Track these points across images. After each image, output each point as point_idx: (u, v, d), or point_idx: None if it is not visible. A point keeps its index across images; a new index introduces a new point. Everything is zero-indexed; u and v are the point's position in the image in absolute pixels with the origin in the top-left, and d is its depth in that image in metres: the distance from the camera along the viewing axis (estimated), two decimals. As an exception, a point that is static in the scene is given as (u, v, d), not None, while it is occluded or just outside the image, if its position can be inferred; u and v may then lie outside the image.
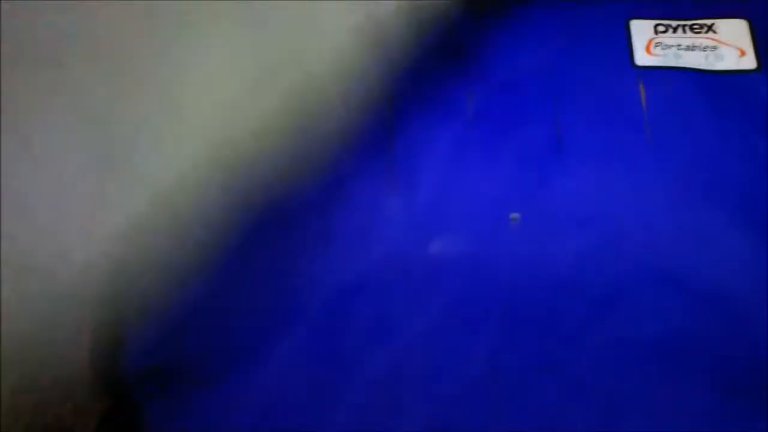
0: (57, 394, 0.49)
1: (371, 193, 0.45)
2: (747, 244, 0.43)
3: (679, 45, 0.48)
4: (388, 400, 0.41)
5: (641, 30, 0.49)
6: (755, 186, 0.45)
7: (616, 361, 0.42)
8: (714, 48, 0.48)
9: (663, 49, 0.48)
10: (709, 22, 0.49)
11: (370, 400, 0.41)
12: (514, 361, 0.42)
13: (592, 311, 0.43)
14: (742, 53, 0.48)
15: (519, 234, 0.44)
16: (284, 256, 0.44)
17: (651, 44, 0.48)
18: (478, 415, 0.40)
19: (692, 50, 0.48)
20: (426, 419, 0.40)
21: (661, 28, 0.49)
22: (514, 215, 0.45)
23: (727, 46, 0.48)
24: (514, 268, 0.44)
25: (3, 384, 0.44)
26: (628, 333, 0.42)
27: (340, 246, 0.44)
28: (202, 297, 0.44)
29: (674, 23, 0.49)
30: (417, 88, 0.48)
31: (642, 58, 0.48)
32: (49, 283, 0.47)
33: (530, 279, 0.43)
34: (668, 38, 0.48)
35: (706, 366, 0.41)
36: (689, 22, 0.49)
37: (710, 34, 0.48)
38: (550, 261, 0.44)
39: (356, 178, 0.46)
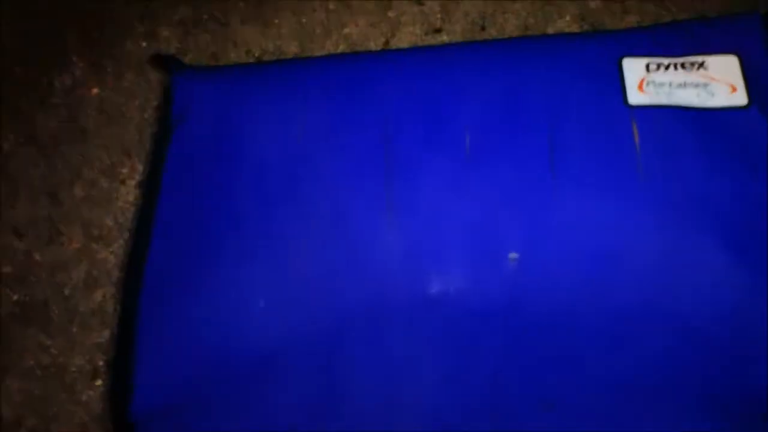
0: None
1: (369, 229, 0.46)
2: (738, 280, 0.44)
3: (671, 83, 0.49)
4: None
5: (633, 68, 0.50)
6: (746, 222, 0.45)
7: (613, 396, 0.43)
8: (705, 85, 0.49)
9: (655, 87, 0.49)
10: (700, 59, 0.49)
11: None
12: (512, 397, 0.43)
13: (587, 347, 0.44)
14: (734, 89, 0.49)
15: (514, 270, 0.45)
16: (284, 289, 0.46)
17: (643, 83, 0.49)
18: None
19: (684, 88, 0.49)
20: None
21: (653, 66, 0.50)
22: (513, 255, 0.46)
23: (718, 82, 0.49)
24: (509, 302, 0.44)
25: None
26: (623, 368, 0.43)
27: (338, 281, 0.46)
28: (206, 328, 0.46)
29: (666, 61, 0.50)
30: (415, 126, 0.49)
31: (635, 96, 0.49)
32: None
33: (525, 315, 0.44)
34: (660, 76, 0.49)
35: (697, 398, 0.42)
36: (681, 60, 0.50)
37: (701, 71, 0.49)
38: (544, 297, 0.45)
39: (354, 213, 0.47)
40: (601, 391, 0.43)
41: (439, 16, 0.61)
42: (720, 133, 0.48)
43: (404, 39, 0.60)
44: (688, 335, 0.43)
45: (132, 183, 0.58)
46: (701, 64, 0.49)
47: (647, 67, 0.49)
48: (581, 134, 0.48)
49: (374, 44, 0.60)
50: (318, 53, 0.60)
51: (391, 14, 0.61)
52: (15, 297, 0.55)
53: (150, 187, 0.53)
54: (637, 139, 0.47)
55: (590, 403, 0.42)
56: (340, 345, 0.44)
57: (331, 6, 0.62)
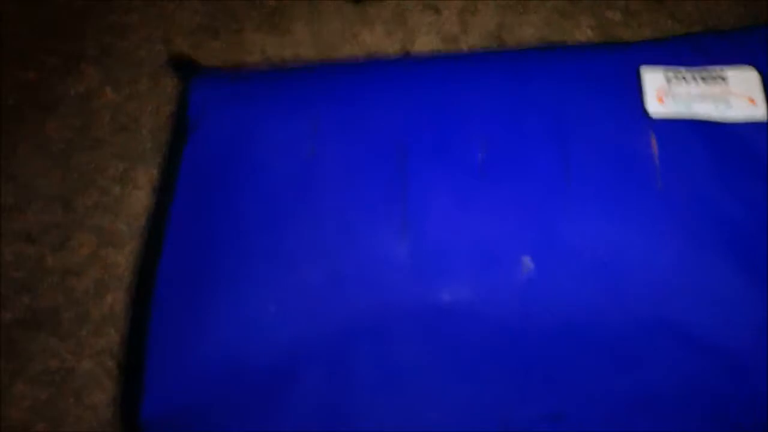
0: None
1: (380, 241, 0.46)
2: (752, 299, 0.44)
3: (690, 94, 0.49)
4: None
5: (653, 78, 0.49)
6: (763, 239, 0.45)
7: (624, 410, 0.42)
8: (724, 98, 0.48)
9: (674, 98, 0.49)
10: (719, 71, 0.49)
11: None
12: (523, 410, 0.42)
13: (600, 361, 0.43)
14: (752, 102, 0.48)
15: (526, 282, 0.45)
16: (294, 297, 0.45)
17: (663, 94, 0.49)
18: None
19: (703, 100, 0.49)
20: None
21: (672, 77, 0.49)
22: (527, 261, 0.45)
23: (736, 95, 0.48)
24: (520, 315, 0.44)
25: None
26: (635, 383, 0.43)
27: (349, 290, 0.45)
28: (217, 335, 0.45)
29: (686, 72, 0.49)
30: (426, 138, 0.49)
31: (654, 107, 0.49)
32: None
33: (536, 328, 0.44)
34: (680, 87, 0.49)
35: (710, 417, 0.42)
36: (700, 72, 0.49)
37: (721, 84, 0.49)
38: (557, 310, 0.44)
39: (365, 226, 0.46)
40: (612, 406, 0.42)
41: (456, 26, 0.60)
42: (738, 148, 0.47)
43: (421, 47, 0.60)
44: (700, 353, 0.43)
45: (145, 189, 0.58)
46: (721, 77, 0.49)
47: (667, 78, 0.49)
48: (598, 145, 0.48)
49: (391, 51, 0.60)
50: (335, 59, 0.60)
51: (408, 23, 0.61)
52: (26, 302, 0.55)
53: (164, 191, 0.53)
54: (655, 151, 0.47)
55: (600, 417, 0.42)
56: (350, 354, 0.44)
57: (347, 13, 0.62)
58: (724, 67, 0.49)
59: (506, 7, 0.61)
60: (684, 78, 0.49)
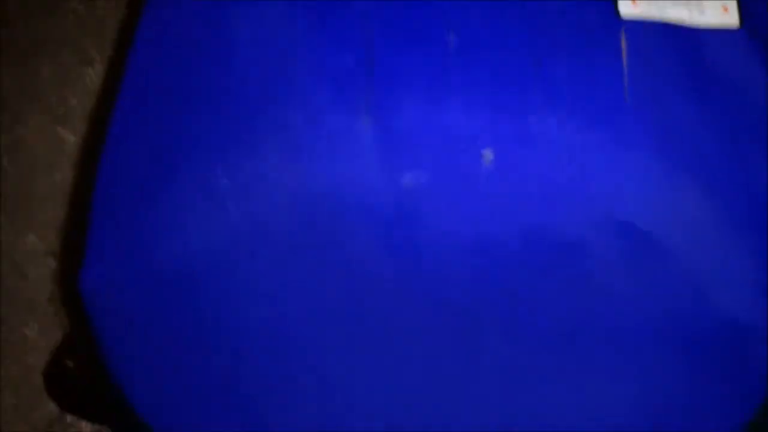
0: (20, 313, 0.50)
1: (344, 119, 0.45)
2: (718, 214, 0.43)
3: (664, -3, 0.48)
4: (353, 326, 0.41)
5: (627, -21, 0.48)
6: (728, 149, 0.45)
7: (580, 312, 0.42)
8: (698, 3, 0.47)
9: (647, 0, 0.48)
10: (695, -25, 0.48)
11: (336, 325, 0.41)
12: (476, 291, 0.42)
13: (559, 254, 0.43)
14: (725, 9, 0.47)
15: (489, 175, 0.44)
16: (250, 173, 0.44)
17: (635, -5, 0.48)
18: (437, 357, 0.41)
19: (676, 4, 0.48)
20: (389, 343, 0.41)
21: (647, -21, 0.48)
22: (487, 153, 0.45)
23: (710, 1, 0.47)
24: (482, 208, 0.43)
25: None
26: (591, 286, 0.43)
27: (308, 173, 0.44)
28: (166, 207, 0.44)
29: (660, -26, 0.48)
30: (397, 22, 0.47)
31: (626, 8, 0.47)
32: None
33: (500, 218, 0.43)
34: (654, -11, 0.48)
35: (660, 325, 0.42)
36: (676, -26, 0.48)
37: (695, -12, 0.48)
38: (521, 202, 0.44)
39: (330, 103, 0.45)
40: (564, 293, 0.42)
41: None
42: (708, 53, 0.46)
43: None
44: (662, 264, 0.43)
45: (99, 65, 0.56)
46: (696, -20, 0.48)
47: (641, -22, 0.48)
48: (568, 42, 0.46)
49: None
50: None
51: None
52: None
53: (116, 67, 0.51)
54: (625, 51, 0.46)
55: (553, 300, 0.42)
56: (309, 232, 0.43)
57: None
58: (701, -29, 0.48)
59: None
60: (659, -20, 0.48)
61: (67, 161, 0.54)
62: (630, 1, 0.47)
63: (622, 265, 0.43)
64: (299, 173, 0.45)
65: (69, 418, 0.48)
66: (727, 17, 0.47)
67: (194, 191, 0.45)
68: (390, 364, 0.42)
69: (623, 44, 0.46)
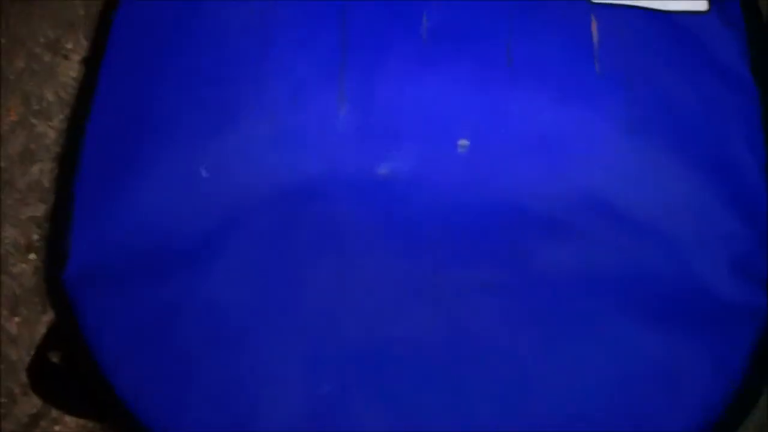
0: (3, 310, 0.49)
1: (321, 106, 0.45)
2: (691, 182, 0.44)
3: (634, -18, 0.49)
4: (333, 303, 0.42)
5: (597, -34, 0.49)
6: (700, 122, 0.46)
7: (560, 283, 0.43)
8: (667, -13, 0.49)
9: (618, -14, 0.49)
10: (664, -39, 0.49)
11: (312, 312, 0.41)
12: (455, 280, 0.42)
13: (535, 236, 0.44)
14: (695, -6, 0.48)
15: (467, 156, 0.45)
16: (229, 160, 0.45)
17: (606, -20, 0.49)
18: (417, 327, 0.41)
19: (646, -11, 0.49)
20: (366, 329, 0.41)
21: (616, -36, 0.49)
22: (463, 142, 0.45)
23: (679, -15, 0.49)
24: (461, 185, 0.44)
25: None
26: (570, 257, 0.43)
27: (285, 155, 0.45)
28: (147, 192, 0.44)
29: (630, -40, 0.49)
30: (372, 3, 0.48)
31: (596, -6, 0.49)
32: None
33: (476, 201, 0.44)
34: (623, -25, 0.49)
35: (638, 296, 0.42)
36: (645, -40, 0.49)
37: (664, -26, 0.49)
38: (496, 184, 0.44)
39: (308, 88, 0.46)
40: (546, 279, 0.43)
41: None
42: (678, 35, 0.48)
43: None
44: (638, 234, 0.44)
45: (76, 58, 0.56)
46: (664, -33, 0.49)
47: (611, -36, 0.49)
48: (540, 26, 0.47)
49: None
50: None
51: None
52: (-53, 166, 0.53)
53: (93, 59, 0.51)
54: (595, 35, 0.47)
55: (535, 288, 0.42)
56: (287, 217, 0.44)
57: None
58: (670, -43, 0.49)
59: None
60: (628, -35, 0.49)
61: (46, 154, 0.54)
62: (599, -14, 0.48)
63: (599, 238, 0.44)
64: (278, 157, 0.45)
65: (54, 412, 0.48)
66: (696, 3, 0.48)
67: (175, 180, 0.45)
68: (376, 339, 0.42)
69: (593, 25, 0.47)
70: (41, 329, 0.49)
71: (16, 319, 0.50)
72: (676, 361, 0.40)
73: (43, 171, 0.53)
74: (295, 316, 0.41)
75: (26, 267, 0.51)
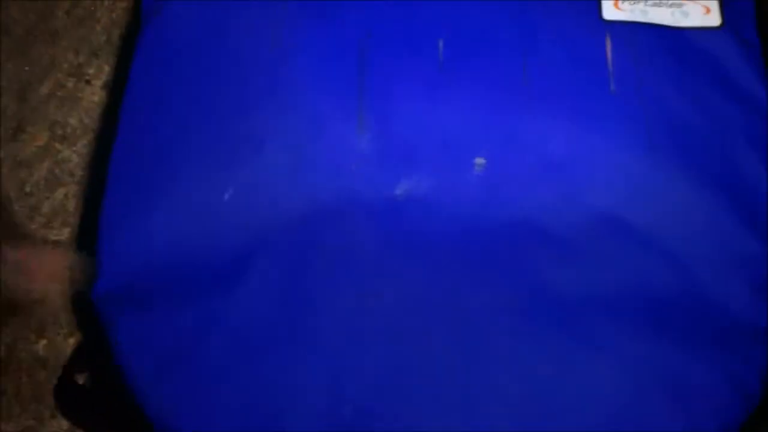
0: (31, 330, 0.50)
1: (341, 130, 0.46)
2: (704, 203, 0.44)
3: (646, 1, 0.49)
4: (353, 326, 0.42)
5: (610, -15, 0.49)
6: (715, 141, 0.46)
7: (574, 306, 0.43)
8: (680, 5, 0.49)
9: (630, 4, 0.49)
10: (676, -21, 0.49)
11: (334, 330, 0.42)
12: (475, 301, 0.43)
13: (551, 256, 0.44)
14: (707, 11, 0.48)
15: (484, 178, 0.45)
16: (251, 183, 0.45)
17: (619, 0, 0.49)
18: (438, 345, 0.41)
19: (659, 6, 0.49)
20: (386, 351, 0.41)
21: (629, -16, 0.49)
22: (480, 161, 0.46)
23: (692, 3, 0.49)
24: (477, 208, 0.45)
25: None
26: (584, 280, 0.43)
27: (308, 180, 0.45)
28: (172, 217, 0.45)
29: (642, -21, 0.49)
30: (389, 31, 0.49)
31: (610, 12, 0.49)
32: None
33: (491, 222, 0.44)
34: (636, -6, 0.49)
35: (655, 316, 0.42)
36: (657, -21, 0.49)
37: (677, -9, 0.49)
38: (512, 206, 0.45)
39: (328, 114, 0.46)
40: (562, 300, 0.43)
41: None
42: (692, 53, 0.48)
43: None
44: (651, 255, 0.44)
45: (98, 84, 0.57)
46: (677, -16, 0.49)
47: (623, -16, 0.49)
48: (555, 46, 0.48)
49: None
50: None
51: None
52: (-25, 192, 0.54)
53: (117, 85, 0.52)
54: (609, 53, 0.47)
55: (550, 310, 0.43)
56: (307, 241, 0.44)
57: None
58: (681, -25, 0.49)
59: None
60: (641, -15, 0.49)
61: (70, 179, 0.55)
62: (612, 4, 0.49)
63: (615, 259, 0.44)
64: (300, 183, 0.46)
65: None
66: (709, 18, 0.48)
67: (200, 205, 0.46)
68: (396, 360, 0.42)
69: (607, 42, 0.48)
70: (68, 351, 0.50)
71: (43, 341, 0.51)
72: (693, 380, 0.40)
73: (67, 195, 0.54)
74: (317, 337, 0.42)
75: (53, 288, 0.52)
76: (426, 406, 0.40)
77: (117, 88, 0.53)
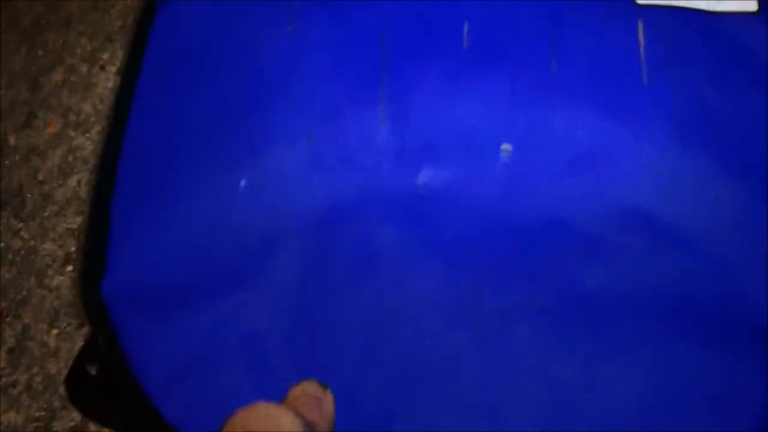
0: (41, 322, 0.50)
1: (361, 121, 0.44)
2: (738, 197, 0.43)
3: (681, -15, 0.47)
4: (373, 328, 0.41)
5: (643, -32, 0.47)
6: (749, 133, 0.44)
7: (600, 304, 0.41)
8: (716, -11, 0.47)
9: (664, -12, 0.47)
10: (712, -39, 0.47)
11: (356, 326, 0.40)
12: (496, 297, 0.41)
13: (578, 251, 0.42)
14: (745, -5, 0.47)
15: (509, 169, 0.43)
16: (269, 175, 0.44)
17: (652, -17, 0.47)
18: (460, 346, 0.40)
19: (694, -9, 0.47)
20: (404, 353, 0.40)
21: (663, -33, 0.47)
22: (506, 146, 0.44)
23: (729, -14, 0.47)
24: (501, 202, 0.43)
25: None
26: (612, 276, 0.42)
27: (326, 173, 0.44)
28: (185, 214, 0.44)
29: (678, -38, 0.47)
30: (411, 20, 0.47)
31: (643, -3, 0.47)
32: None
33: (518, 216, 0.43)
34: (670, -23, 0.47)
35: (687, 316, 0.41)
36: (693, -39, 0.47)
37: (713, -25, 0.47)
38: (537, 202, 0.43)
39: (347, 106, 0.45)
40: (588, 299, 0.41)
41: None
42: (727, 40, 0.46)
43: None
44: (682, 250, 0.42)
45: (113, 69, 0.56)
46: (713, -33, 0.47)
47: (657, -33, 0.47)
48: (585, 33, 0.46)
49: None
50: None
51: None
52: (-12, 179, 0.53)
53: (129, 72, 0.51)
54: (642, 41, 0.45)
55: (575, 310, 0.41)
56: (328, 234, 0.43)
57: None
58: (719, -42, 0.47)
59: None
60: (676, -33, 0.47)
61: (84, 166, 0.54)
62: (647, -10, 0.47)
63: (645, 258, 0.42)
64: (317, 177, 0.44)
65: (93, 426, 0.48)
66: (746, 4, 0.46)
67: (213, 200, 0.45)
68: (414, 362, 0.41)
69: (640, 30, 0.46)
70: (80, 342, 0.49)
71: (54, 332, 0.50)
72: (727, 381, 0.38)
73: (80, 183, 0.53)
74: (335, 338, 0.41)
75: (64, 279, 0.51)
76: (447, 406, 0.39)
77: (130, 75, 0.52)
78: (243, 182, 0.44)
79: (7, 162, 0.54)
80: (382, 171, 0.44)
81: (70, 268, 0.51)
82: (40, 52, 0.57)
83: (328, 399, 0.31)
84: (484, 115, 0.45)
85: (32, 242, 0.52)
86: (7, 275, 0.51)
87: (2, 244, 0.52)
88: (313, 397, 0.31)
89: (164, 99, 0.48)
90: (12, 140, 0.54)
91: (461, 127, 0.44)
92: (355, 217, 0.43)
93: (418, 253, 0.43)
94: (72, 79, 0.56)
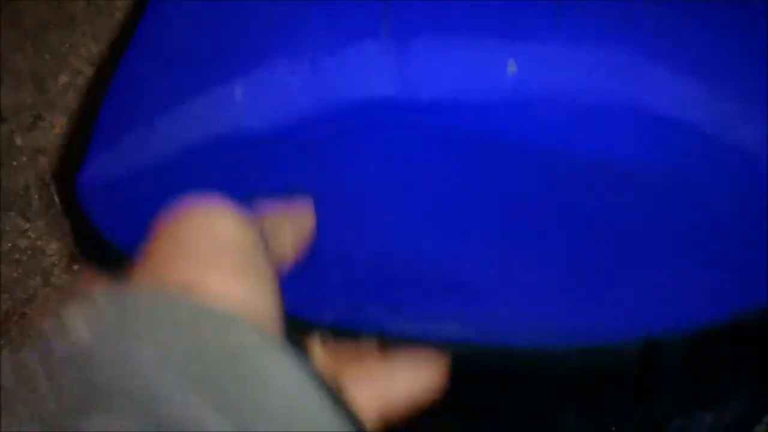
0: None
1: (359, 38, 0.44)
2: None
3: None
4: (377, 246, 0.40)
5: None
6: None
7: (598, 240, 0.41)
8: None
9: None
10: None
11: (360, 238, 0.40)
12: (505, 196, 0.41)
13: (570, 178, 0.42)
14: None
15: (512, 83, 0.43)
16: (267, 85, 0.44)
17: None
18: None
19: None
20: (417, 281, 0.39)
21: None
22: (512, 64, 0.44)
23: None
24: (505, 115, 0.43)
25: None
26: (609, 208, 0.41)
27: (324, 85, 0.44)
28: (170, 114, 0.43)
29: None
30: None
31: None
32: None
33: (523, 126, 0.43)
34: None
35: (690, 249, 0.40)
36: None
37: None
38: (544, 109, 0.43)
39: (344, 23, 0.45)
40: (582, 229, 0.41)
41: None
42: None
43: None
44: (679, 182, 0.41)
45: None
46: None
47: None
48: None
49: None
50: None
51: None
52: (-5, 181, 0.54)
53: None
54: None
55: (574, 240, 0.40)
56: (328, 143, 0.42)
57: None
58: None
59: None
60: None
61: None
62: None
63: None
64: (315, 86, 0.44)
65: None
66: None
67: (204, 97, 0.44)
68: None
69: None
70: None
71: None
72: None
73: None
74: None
75: (69, 278, 0.51)
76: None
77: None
78: (238, 90, 0.43)
79: (14, 163, 0.54)
80: (385, 84, 0.44)
81: (76, 267, 0.52)
82: (47, 56, 0.57)
83: (306, 216, 0.26)
84: (488, 35, 0.44)
85: (39, 242, 0.52)
86: (13, 274, 0.51)
87: (8, 245, 0.52)
88: (287, 208, 0.25)
89: (159, 11, 0.47)
90: (18, 141, 0.55)
91: (465, 45, 0.44)
92: (356, 125, 0.43)
93: (422, 162, 0.42)
94: (77, 81, 0.57)
